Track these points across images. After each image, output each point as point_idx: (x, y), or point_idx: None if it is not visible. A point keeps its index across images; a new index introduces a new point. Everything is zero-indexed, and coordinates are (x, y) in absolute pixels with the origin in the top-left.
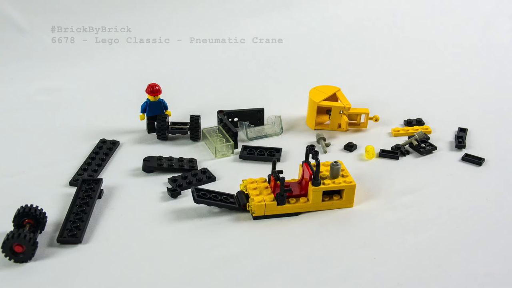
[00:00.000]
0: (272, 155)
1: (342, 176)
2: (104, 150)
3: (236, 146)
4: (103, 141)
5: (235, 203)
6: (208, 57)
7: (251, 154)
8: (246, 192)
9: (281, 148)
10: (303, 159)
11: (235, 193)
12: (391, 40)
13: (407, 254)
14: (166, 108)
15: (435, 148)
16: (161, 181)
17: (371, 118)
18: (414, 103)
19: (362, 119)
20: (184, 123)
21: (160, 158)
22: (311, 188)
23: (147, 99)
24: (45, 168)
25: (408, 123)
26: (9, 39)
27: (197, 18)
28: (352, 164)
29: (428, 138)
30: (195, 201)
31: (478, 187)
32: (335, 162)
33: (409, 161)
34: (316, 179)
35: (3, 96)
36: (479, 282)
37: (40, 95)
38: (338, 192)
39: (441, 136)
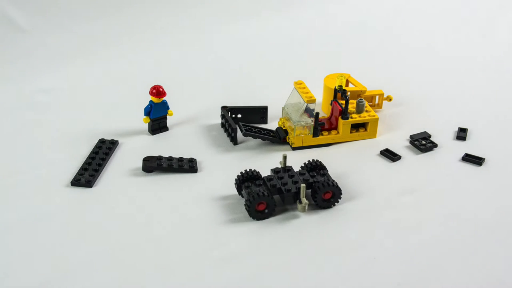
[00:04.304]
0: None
1: (366, 111)
2: (104, 150)
3: (235, 142)
4: (102, 141)
5: (276, 137)
6: (208, 57)
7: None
8: (284, 128)
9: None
10: None
11: (274, 129)
12: (389, 41)
13: (407, 254)
14: (167, 108)
15: (435, 145)
16: (161, 181)
17: (385, 99)
18: (413, 103)
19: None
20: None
21: (160, 158)
22: (341, 121)
23: (150, 101)
24: (45, 168)
25: None
26: (10, 39)
27: (197, 17)
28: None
29: (430, 136)
30: (243, 135)
31: (478, 187)
32: (360, 99)
33: (409, 160)
34: (345, 113)
35: (3, 96)
36: (479, 282)
37: (40, 95)
38: (363, 125)
39: (441, 136)
